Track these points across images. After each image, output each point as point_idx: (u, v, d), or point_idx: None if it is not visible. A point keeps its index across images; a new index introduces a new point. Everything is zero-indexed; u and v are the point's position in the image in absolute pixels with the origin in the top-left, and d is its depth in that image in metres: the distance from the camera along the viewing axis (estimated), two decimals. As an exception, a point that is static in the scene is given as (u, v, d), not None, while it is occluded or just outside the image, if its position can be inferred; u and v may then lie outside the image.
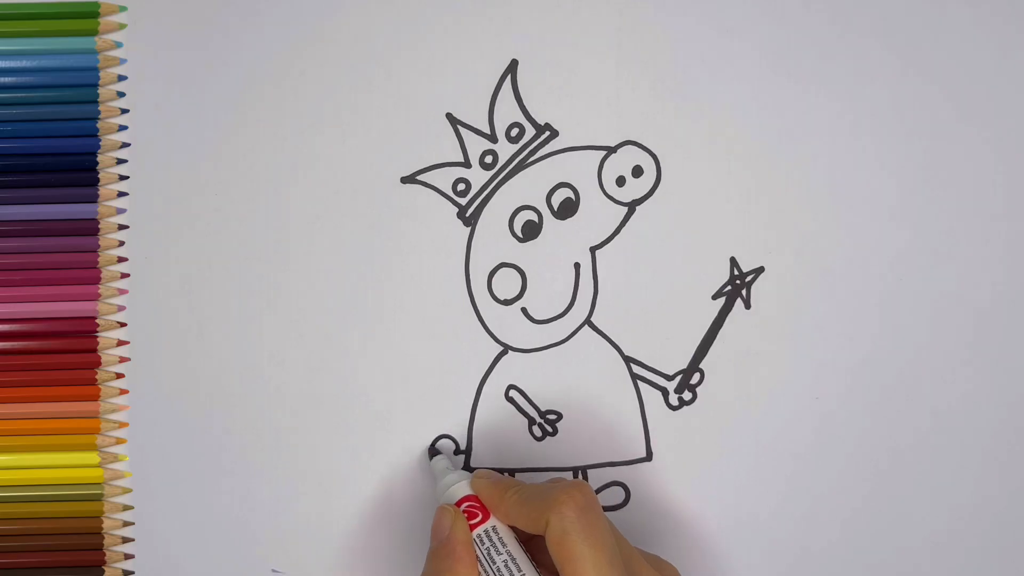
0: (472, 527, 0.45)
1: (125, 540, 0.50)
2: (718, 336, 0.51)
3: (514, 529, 0.45)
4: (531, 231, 0.51)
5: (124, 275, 0.50)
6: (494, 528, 0.45)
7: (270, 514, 0.50)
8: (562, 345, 0.51)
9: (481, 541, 0.45)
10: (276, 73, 0.50)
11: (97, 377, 0.50)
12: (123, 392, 0.50)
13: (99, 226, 0.50)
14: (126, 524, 0.50)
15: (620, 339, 0.51)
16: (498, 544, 0.44)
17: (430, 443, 0.50)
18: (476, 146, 0.51)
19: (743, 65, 0.51)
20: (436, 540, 0.45)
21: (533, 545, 0.45)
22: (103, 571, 0.50)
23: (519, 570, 0.44)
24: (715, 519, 0.51)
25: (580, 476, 0.51)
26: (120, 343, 0.50)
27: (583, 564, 0.42)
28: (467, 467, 0.51)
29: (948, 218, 0.51)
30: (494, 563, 0.44)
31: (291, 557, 0.51)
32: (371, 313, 0.50)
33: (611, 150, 0.51)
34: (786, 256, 0.51)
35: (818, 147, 0.51)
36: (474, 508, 0.45)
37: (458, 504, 0.46)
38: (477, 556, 0.44)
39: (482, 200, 0.51)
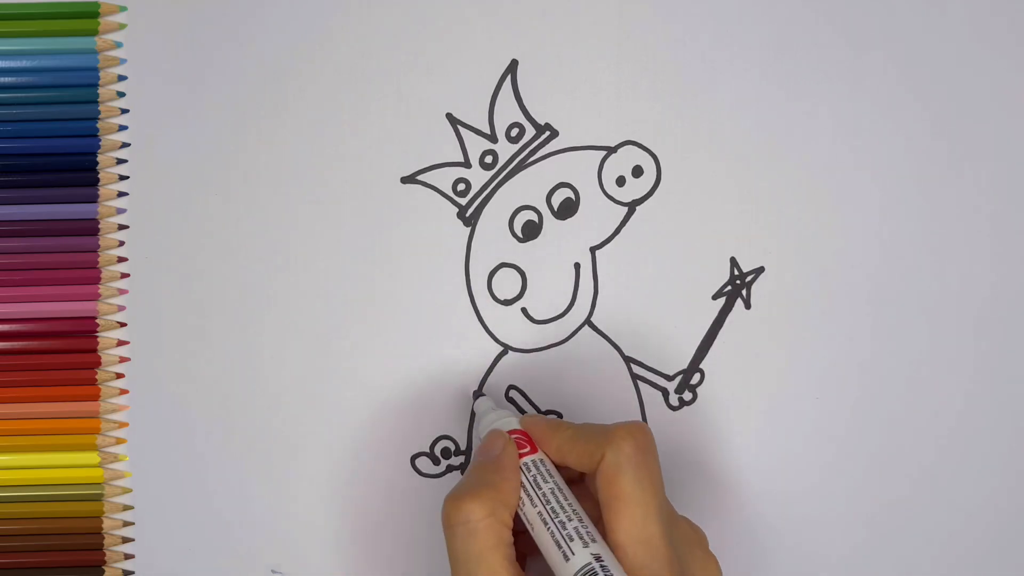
0: (519, 456, 0.44)
1: (125, 540, 0.50)
2: (718, 336, 0.51)
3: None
4: (531, 231, 0.51)
5: (124, 275, 0.50)
6: (542, 460, 0.44)
7: (270, 514, 0.50)
8: (562, 345, 0.51)
9: (528, 469, 0.44)
10: (276, 73, 0.50)
11: (97, 377, 0.50)
12: (123, 392, 0.50)
13: (99, 226, 0.50)
14: (126, 524, 0.50)
15: (620, 339, 0.51)
16: (545, 474, 0.44)
17: (473, 392, 0.50)
18: (476, 146, 0.51)
19: (743, 65, 0.51)
20: (481, 457, 0.44)
21: (576, 490, 0.44)
22: (103, 571, 0.50)
23: (566, 499, 0.43)
24: (715, 519, 0.51)
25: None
26: (120, 343, 0.50)
27: (632, 504, 0.41)
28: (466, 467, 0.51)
29: (948, 218, 0.51)
30: (540, 489, 0.43)
31: (291, 557, 0.51)
32: (371, 313, 0.50)
33: (611, 150, 0.51)
34: (786, 256, 0.51)
35: (818, 147, 0.51)
36: (523, 441, 0.45)
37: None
38: (522, 482, 0.44)
39: (482, 200, 0.51)
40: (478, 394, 0.50)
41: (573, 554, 0.41)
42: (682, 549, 0.43)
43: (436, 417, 0.51)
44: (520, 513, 0.43)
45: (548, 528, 0.42)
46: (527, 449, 0.44)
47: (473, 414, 0.50)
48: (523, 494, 0.43)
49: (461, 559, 0.42)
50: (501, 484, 0.43)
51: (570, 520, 0.42)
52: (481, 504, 0.42)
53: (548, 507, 0.43)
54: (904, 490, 0.51)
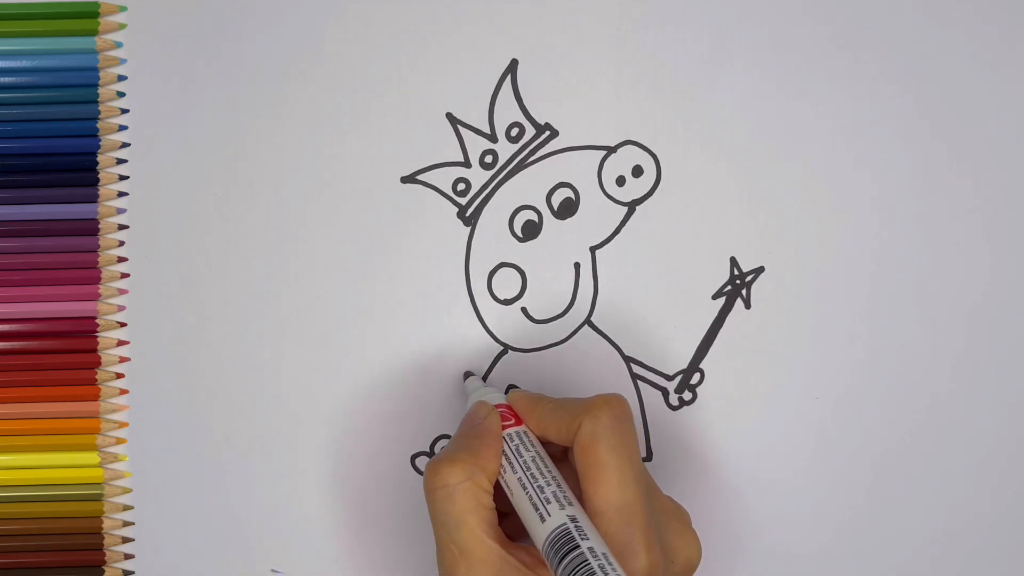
0: (503, 428, 0.45)
1: (125, 540, 0.50)
2: (718, 336, 0.51)
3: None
4: (531, 231, 0.51)
5: (124, 275, 0.50)
6: (525, 432, 0.45)
7: (270, 514, 0.50)
8: (562, 345, 0.51)
9: (511, 439, 0.45)
10: (276, 73, 0.50)
11: (97, 377, 0.50)
12: (123, 392, 0.50)
13: (99, 226, 0.50)
14: (126, 524, 0.50)
15: (620, 339, 0.51)
16: (528, 444, 0.44)
17: (464, 372, 0.50)
18: (476, 146, 0.51)
19: (743, 65, 0.51)
20: (465, 426, 0.45)
21: (560, 468, 0.45)
22: (103, 571, 0.50)
23: (546, 466, 0.44)
24: (715, 519, 0.51)
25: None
26: (120, 343, 0.50)
27: (608, 472, 0.42)
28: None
29: (947, 218, 0.51)
30: (521, 456, 0.44)
31: (291, 557, 0.51)
32: (371, 313, 0.50)
33: (611, 150, 0.51)
34: (786, 256, 0.51)
35: (818, 147, 0.51)
36: (507, 414, 0.46)
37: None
38: (504, 451, 0.44)
39: (482, 200, 0.51)
40: (468, 374, 0.50)
41: (549, 515, 0.42)
42: (660, 519, 0.43)
43: (436, 416, 0.50)
44: (501, 482, 0.44)
45: (527, 492, 0.43)
46: (511, 422, 0.45)
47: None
48: (504, 462, 0.44)
49: (440, 521, 0.43)
50: (481, 450, 0.44)
51: (548, 485, 0.43)
52: (460, 468, 0.43)
53: (528, 473, 0.43)
54: (904, 489, 0.51)
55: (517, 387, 0.51)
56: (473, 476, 0.43)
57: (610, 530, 0.42)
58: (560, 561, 0.41)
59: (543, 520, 0.42)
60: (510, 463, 0.44)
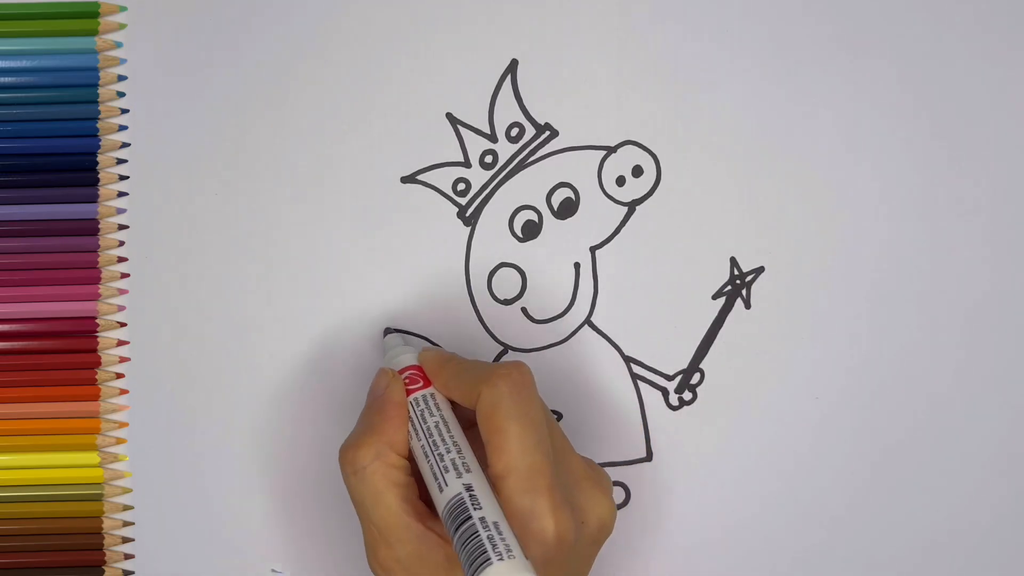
0: (409, 392, 0.45)
1: (125, 540, 0.50)
2: (718, 336, 0.51)
3: (454, 410, 0.45)
4: (531, 231, 0.51)
5: (124, 275, 0.50)
6: (432, 395, 0.45)
7: (270, 514, 0.50)
8: (562, 345, 0.51)
9: (416, 404, 0.44)
10: (276, 73, 0.50)
11: (97, 377, 0.50)
12: (123, 392, 0.50)
13: (99, 226, 0.50)
14: (126, 524, 0.50)
15: (620, 339, 0.51)
16: (432, 408, 0.44)
17: (384, 328, 0.50)
18: (476, 146, 0.51)
19: (743, 65, 0.51)
20: (370, 399, 0.45)
21: (471, 435, 0.44)
22: (103, 571, 0.50)
23: (448, 432, 0.43)
24: (715, 519, 0.51)
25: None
26: (120, 343, 0.50)
27: (509, 439, 0.42)
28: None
29: (948, 218, 0.51)
30: (425, 423, 0.44)
31: (291, 557, 0.51)
32: (371, 313, 0.50)
33: (611, 150, 0.51)
34: (786, 256, 0.51)
35: (818, 147, 0.51)
36: (416, 376, 0.45)
37: (401, 372, 0.46)
38: (410, 417, 0.44)
39: (482, 200, 0.51)
40: (388, 330, 0.50)
41: (447, 485, 0.42)
42: (569, 480, 0.43)
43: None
44: (412, 448, 0.44)
45: (428, 461, 0.43)
46: (419, 384, 0.45)
47: None
48: (411, 430, 0.44)
49: (358, 503, 0.43)
50: (383, 425, 0.44)
51: (448, 452, 0.43)
52: (366, 449, 0.43)
53: (430, 440, 0.43)
54: (903, 489, 0.51)
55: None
56: (380, 455, 0.43)
57: (513, 497, 0.41)
58: (456, 532, 0.40)
59: (441, 490, 0.42)
60: (415, 431, 0.44)
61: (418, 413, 0.44)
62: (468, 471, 0.42)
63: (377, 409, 0.44)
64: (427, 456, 0.43)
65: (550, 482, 0.41)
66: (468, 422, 0.44)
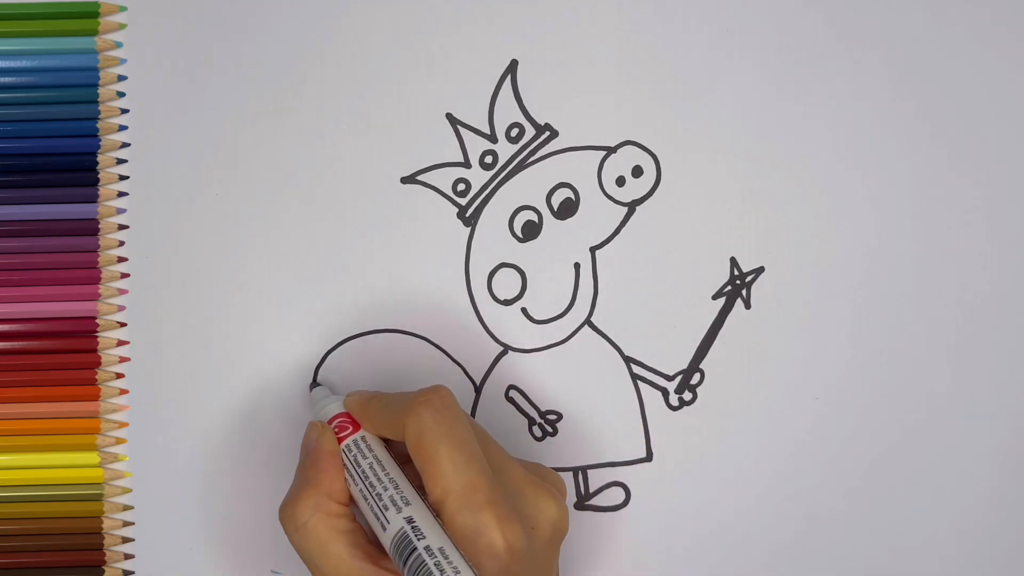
0: (341, 440, 0.45)
1: (125, 540, 0.50)
2: (718, 336, 0.51)
3: (389, 447, 0.45)
4: (531, 231, 0.51)
5: (124, 275, 0.50)
6: (363, 438, 0.45)
7: (270, 514, 0.50)
8: (562, 345, 0.51)
9: (348, 450, 0.44)
10: (276, 73, 0.50)
11: (97, 377, 0.50)
12: (123, 392, 0.50)
13: (99, 226, 0.50)
14: (126, 524, 0.50)
15: (620, 339, 0.51)
16: (364, 451, 0.44)
17: (311, 380, 0.50)
18: (476, 146, 0.51)
19: (743, 65, 0.51)
20: (303, 454, 0.45)
21: (410, 470, 0.44)
22: (103, 571, 0.50)
23: (383, 470, 0.43)
24: (715, 519, 0.51)
25: (580, 476, 0.51)
26: (120, 343, 0.50)
27: (440, 462, 0.42)
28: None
29: (947, 218, 0.51)
30: (359, 466, 0.44)
31: (291, 557, 0.50)
32: (371, 313, 0.50)
33: (611, 150, 0.51)
34: (786, 256, 0.51)
35: (818, 147, 0.51)
36: (345, 423, 0.45)
37: (329, 422, 0.46)
38: (344, 464, 0.44)
39: (482, 200, 0.51)
40: (313, 384, 0.50)
41: (389, 522, 0.42)
42: (511, 490, 0.43)
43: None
44: (352, 495, 0.44)
45: (368, 503, 0.43)
46: (349, 430, 0.45)
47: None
48: (348, 476, 0.44)
49: (307, 559, 0.43)
50: (319, 477, 0.44)
51: (385, 490, 0.43)
52: (304, 505, 0.43)
53: (367, 482, 0.43)
54: (904, 489, 0.51)
55: (518, 387, 0.51)
56: (320, 506, 0.43)
57: (456, 519, 0.41)
58: (404, 565, 0.41)
59: (384, 529, 0.42)
60: (351, 476, 0.44)
61: (351, 458, 0.44)
62: (407, 504, 0.42)
63: (311, 463, 0.45)
64: (366, 498, 0.43)
65: (490, 496, 0.41)
66: (405, 457, 0.44)
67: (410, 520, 0.42)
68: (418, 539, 0.41)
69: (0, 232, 0.50)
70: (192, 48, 0.50)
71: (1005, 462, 0.51)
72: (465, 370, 0.51)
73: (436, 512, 0.42)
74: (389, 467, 0.44)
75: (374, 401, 0.45)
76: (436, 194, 0.50)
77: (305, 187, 0.50)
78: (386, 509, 0.42)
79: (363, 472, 0.44)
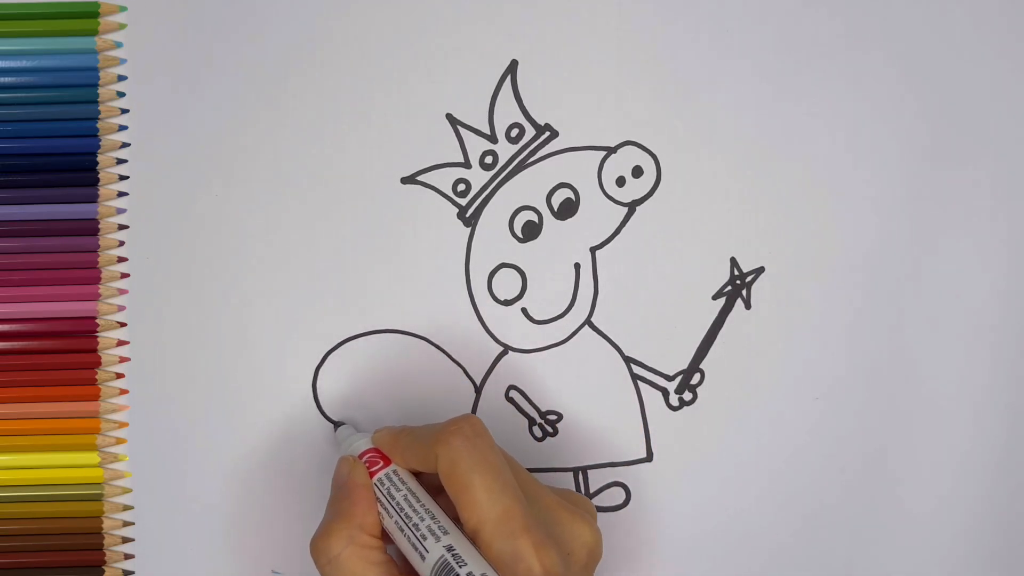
0: (372, 474, 0.45)
1: (125, 540, 0.50)
2: (718, 336, 0.51)
3: (420, 479, 0.45)
4: (531, 231, 0.51)
5: (124, 275, 0.50)
6: (395, 471, 0.45)
7: (270, 514, 0.50)
8: (562, 345, 0.51)
9: (381, 483, 0.45)
10: (276, 73, 0.50)
11: (97, 377, 0.50)
12: (123, 392, 0.50)
13: (99, 226, 0.50)
14: (126, 524, 0.50)
15: (620, 339, 0.51)
16: (398, 483, 0.44)
17: (334, 423, 0.50)
18: (476, 146, 0.51)
19: (743, 65, 0.51)
20: (334, 488, 0.45)
21: (443, 500, 0.44)
22: (103, 571, 0.50)
23: (418, 501, 0.44)
24: (715, 519, 0.51)
25: (580, 476, 0.51)
26: (120, 343, 0.50)
27: (475, 491, 0.42)
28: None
29: (947, 218, 0.51)
30: (393, 499, 0.44)
31: (291, 557, 0.51)
32: (371, 313, 0.50)
33: (611, 150, 0.51)
34: (786, 256, 0.51)
35: (818, 147, 0.51)
36: (376, 458, 0.45)
37: (360, 457, 0.46)
38: (377, 498, 0.44)
39: (482, 200, 0.51)
40: (338, 424, 0.50)
41: (428, 552, 0.42)
42: (546, 517, 0.43)
43: (435, 417, 0.50)
44: (385, 529, 0.44)
45: (404, 534, 0.43)
46: (380, 465, 0.45)
47: None
48: (381, 509, 0.44)
49: None
50: (352, 510, 0.44)
51: (422, 520, 0.43)
52: (337, 537, 0.43)
53: (402, 514, 0.43)
54: (904, 489, 0.51)
55: (518, 387, 0.51)
56: (353, 539, 0.43)
57: (493, 546, 0.41)
58: None
59: (423, 558, 0.42)
60: (385, 510, 0.44)
61: (385, 492, 0.44)
62: (446, 533, 0.42)
63: (344, 496, 0.45)
64: (402, 530, 0.43)
65: (525, 522, 0.42)
66: (436, 488, 0.44)
67: (450, 548, 0.42)
68: (460, 566, 0.41)
69: (0, 232, 0.50)
70: (192, 48, 0.50)
71: (1005, 462, 0.51)
72: (465, 370, 0.51)
73: (472, 540, 0.42)
74: (424, 499, 0.44)
75: (403, 434, 0.45)
76: (436, 194, 0.51)
77: (305, 187, 0.50)
78: (424, 539, 0.42)
79: (398, 504, 0.44)
